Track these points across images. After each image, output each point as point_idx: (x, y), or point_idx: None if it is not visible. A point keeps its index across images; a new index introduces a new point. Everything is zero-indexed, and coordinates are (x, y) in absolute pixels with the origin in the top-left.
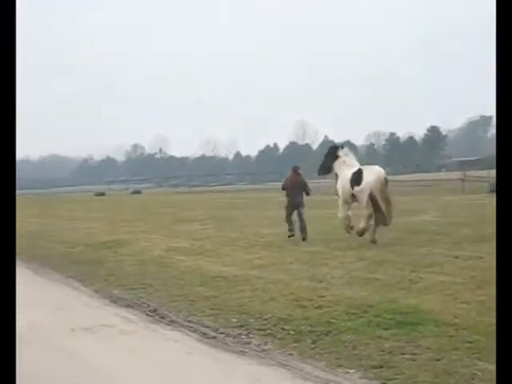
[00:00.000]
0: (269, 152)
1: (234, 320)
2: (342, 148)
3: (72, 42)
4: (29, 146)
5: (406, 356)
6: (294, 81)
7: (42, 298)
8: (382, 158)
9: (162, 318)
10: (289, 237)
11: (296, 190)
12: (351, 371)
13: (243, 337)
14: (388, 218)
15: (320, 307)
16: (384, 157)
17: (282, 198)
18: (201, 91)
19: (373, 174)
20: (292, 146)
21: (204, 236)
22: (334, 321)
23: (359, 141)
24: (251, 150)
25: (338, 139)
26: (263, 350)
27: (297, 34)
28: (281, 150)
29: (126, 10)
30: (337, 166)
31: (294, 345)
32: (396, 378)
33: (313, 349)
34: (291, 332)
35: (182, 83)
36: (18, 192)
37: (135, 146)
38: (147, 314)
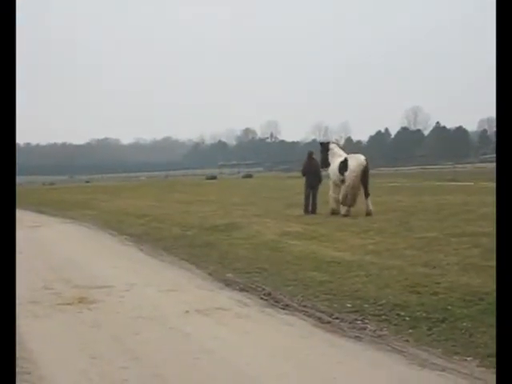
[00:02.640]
0: (380, 137)
1: (349, 305)
2: (331, 142)
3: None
4: (141, 129)
5: None
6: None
7: (155, 279)
8: (493, 144)
9: (276, 302)
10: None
11: (311, 173)
12: (468, 359)
13: (358, 322)
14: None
15: None
16: (494, 143)
17: (395, 183)
18: (312, 78)
19: (355, 161)
20: (403, 131)
21: (316, 221)
22: None
23: (472, 127)
24: (362, 135)
25: (449, 125)
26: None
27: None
28: (392, 136)
29: None
30: (330, 156)
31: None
32: None
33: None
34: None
35: (292, 70)
36: (129, 175)
37: (246, 131)
38: (261, 298)
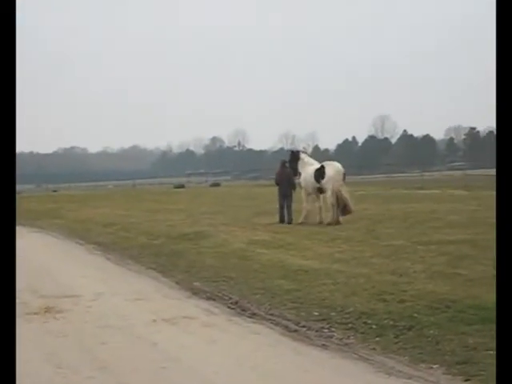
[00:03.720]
0: (347, 146)
1: (316, 314)
2: (301, 152)
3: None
4: (109, 137)
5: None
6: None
7: (122, 288)
8: (461, 152)
9: (243, 310)
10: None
11: (284, 182)
12: (435, 367)
13: (325, 330)
14: (349, 206)
15: None
16: (463, 151)
17: (362, 192)
18: (281, 87)
19: (333, 168)
20: (371, 139)
21: (285, 229)
22: None
23: (439, 135)
24: (330, 143)
25: (416, 133)
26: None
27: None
28: (359, 144)
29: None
30: (300, 165)
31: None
32: (481, 375)
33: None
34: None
35: (260, 80)
36: (97, 183)
37: (214, 139)
38: (229, 307)
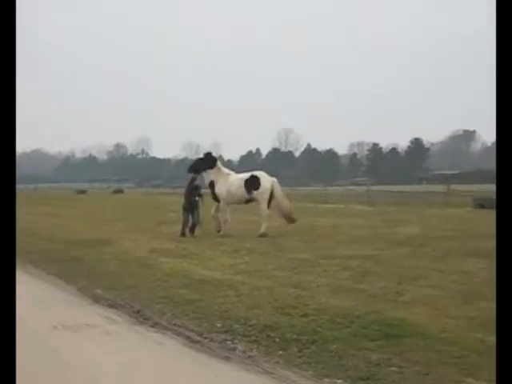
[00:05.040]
0: (251, 157)
1: (219, 325)
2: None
3: None
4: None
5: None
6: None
7: (23, 293)
8: (364, 167)
9: (146, 319)
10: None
11: (193, 197)
12: (338, 382)
13: (228, 342)
14: (293, 214)
15: None
16: (366, 167)
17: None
18: (188, 95)
19: (268, 179)
20: (274, 152)
21: (188, 239)
22: None
23: (342, 150)
24: (234, 154)
25: (320, 147)
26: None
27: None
28: (263, 156)
29: None
30: (214, 173)
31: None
32: None
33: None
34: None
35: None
36: None
37: (118, 146)
38: (130, 316)
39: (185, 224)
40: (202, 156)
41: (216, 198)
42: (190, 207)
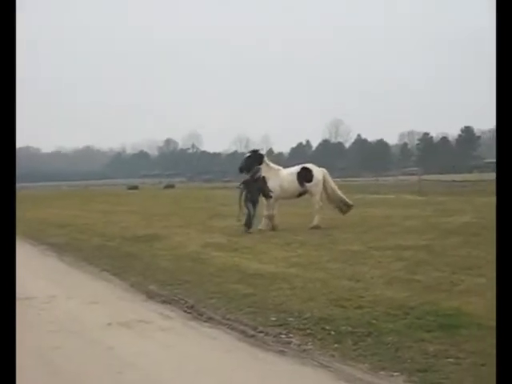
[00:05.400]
0: (301, 149)
1: (273, 319)
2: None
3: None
4: (62, 138)
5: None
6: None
7: (77, 290)
8: (414, 157)
9: (199, 314)
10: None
11: (254, 188)
12: (395, 374)
13: (283, 336)
14: (349, 203)
15: None
16: (417, 156)
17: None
18: (236, 89)
19: (319, 170)
20: (325, 143)
21: (240, 232)
22: None
23: (393, 140)
24: (284, 147)
25: (370, 138)
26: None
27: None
28: (313, 148)
29: None
30: (264, 169)
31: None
32: (442, 383)
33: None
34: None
35: (215, 81)
36: (51, 183)
37: (168, 141)
38: (184, 311)
39: (249, 215)
40: (248, 154)
41: (267, 195)
42: (253, 199)
